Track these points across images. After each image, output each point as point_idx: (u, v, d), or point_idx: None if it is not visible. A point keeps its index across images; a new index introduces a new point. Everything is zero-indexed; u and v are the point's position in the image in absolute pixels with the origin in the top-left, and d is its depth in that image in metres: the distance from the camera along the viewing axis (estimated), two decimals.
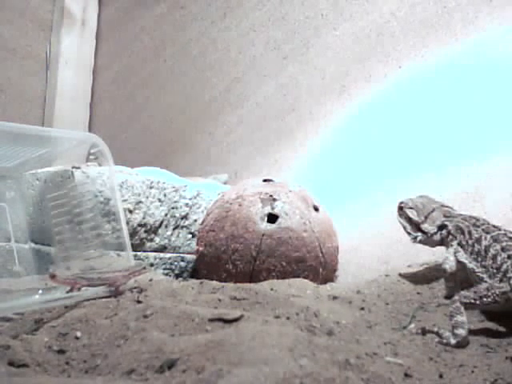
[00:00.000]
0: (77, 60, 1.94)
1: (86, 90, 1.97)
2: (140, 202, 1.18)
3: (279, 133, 1.48)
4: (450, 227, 0.98)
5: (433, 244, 1.02)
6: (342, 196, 1.32)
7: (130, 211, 1.15)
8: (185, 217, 1.28)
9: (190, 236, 1.29)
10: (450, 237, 0.97)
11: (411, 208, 1.02)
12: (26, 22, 1.90)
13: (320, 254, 1.14)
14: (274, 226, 1.11)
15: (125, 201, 1.14)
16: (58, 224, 1.05)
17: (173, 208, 1.25)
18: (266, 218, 1.12)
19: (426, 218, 1.00)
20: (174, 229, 1.26)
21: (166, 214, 1.24)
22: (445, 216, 1.00)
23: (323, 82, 1.40)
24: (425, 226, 1.00)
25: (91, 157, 1.18)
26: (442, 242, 1.00)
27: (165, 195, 1.24)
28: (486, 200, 1.10)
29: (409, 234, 1.02)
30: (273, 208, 1.13)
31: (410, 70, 1.25)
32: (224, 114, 1.62)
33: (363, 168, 1.30)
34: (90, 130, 1.97)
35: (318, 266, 1.13)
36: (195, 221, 1.29)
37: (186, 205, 1.28)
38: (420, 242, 1.01)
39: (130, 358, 0.59)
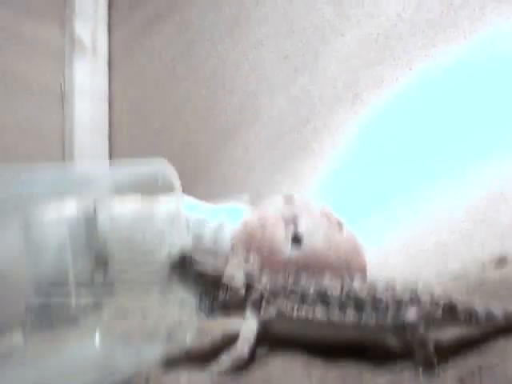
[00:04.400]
0: (91, 90, 1.95)
1: (104, 120, 1.99)
2: (180, 233, 1.18)
3: (296, 146, 1.46)
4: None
5: None
6: (364, 209, 1.30)
7: (171, 246, 1.14)
8: (212, 245, 1.27)
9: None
10: None
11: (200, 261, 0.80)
12: (39, 55, 1.92)
13: (346, 274, 1.12)
14: (298, 249, 1.10)
15: (163, 235, 1.13)
16: (92, 266, 1.06)
17: (198, 238, 1.25)
18: (290, 241, 1.11)
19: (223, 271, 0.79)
20: None
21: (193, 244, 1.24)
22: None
23: (335, 90, 1.37)
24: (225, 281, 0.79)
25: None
26: None
27: (189, 226, 1.24)
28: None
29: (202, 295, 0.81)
30: (296, 231, 1.12)
31: (421, 72, 1.22)
32: (240, 132, 1.61)
33: (382, 177, 1.27)
34: (110, 159, 1.99)
35: None
36: (221, 249, 1.28)
37: (212, 233, 1.27)
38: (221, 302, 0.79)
39: None
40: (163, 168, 0.93)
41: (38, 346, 0.93)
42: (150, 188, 1.12)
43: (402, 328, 0.68)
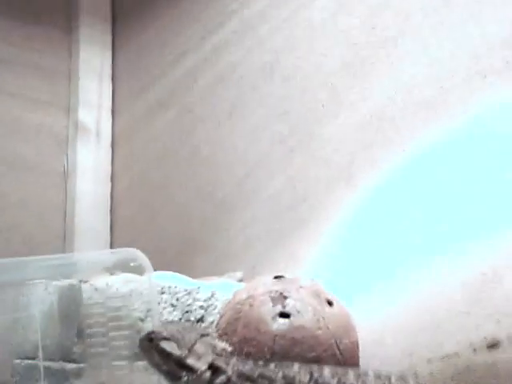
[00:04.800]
0: (94, 169, 2.01)
1: (105, 197, 2.02)
2: (151, 309, 1.17)
3: (293, 224, 1.47)
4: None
5: None
6: (360, 286, 1.28)
7: (142, 320, 1.13)
8: (200, 319, 1.26)
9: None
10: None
11: (167, 339, 0.77)
12: (43, 139, 1.99)
13: (337, 352, 1.08)
14: (286, 325, 1.08)
15: (134, 310, 1.13)
16: (69, 339, 1.05)
17: (187, 312, 1.23)
18: (277, 318, 1.09)
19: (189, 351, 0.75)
20: None
21: (180, 319, 1.22)
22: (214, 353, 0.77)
23: (330, 171, 1.39)
24: (191, 362, 0.75)
25: (113, 270, 1.20)
26: None
27: (177, 299, 1.23)
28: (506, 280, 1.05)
29: (167, 374, 0.76)
30: (284, 307, 1.10)
31: (414, 152, 1.24)
32: (238, 210, 1.62)
33: (377, 254, 1.27)
34: (111, 235, 2.01)
35: (336, 365, 1.07)
36: (211, 323, 1.26)
37: (201, 307, 1.26)
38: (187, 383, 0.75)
39: None
40: (134, 254, 0.95)
41: None
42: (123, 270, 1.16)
43: None
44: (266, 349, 1.12)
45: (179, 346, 0.75)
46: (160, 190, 1.92)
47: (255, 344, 1.14)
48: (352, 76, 1.37)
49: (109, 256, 1.07)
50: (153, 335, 0.77)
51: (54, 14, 2.12)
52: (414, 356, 1.14)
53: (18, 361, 1.17)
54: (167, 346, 0.76)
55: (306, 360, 1.05)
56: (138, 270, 1.10)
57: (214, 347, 0.78)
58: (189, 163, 1.83)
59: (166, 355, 0.75)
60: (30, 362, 1.09)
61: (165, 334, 0.77)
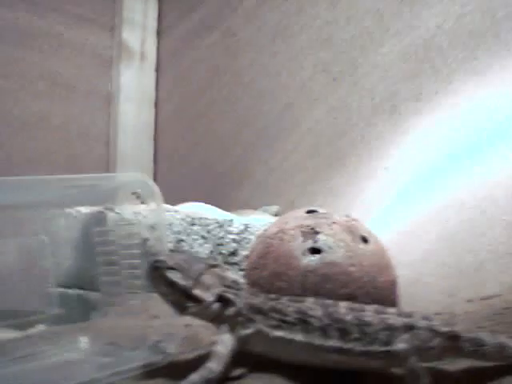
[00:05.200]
0: (138, 94, 1.98)
1: (149, 124, 2.01)
2: (181, 240, 1.17)
3: (332, 158, 1.43)
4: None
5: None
6: (399, 223, 1.24)
7: (172, 251, 1.13)
8: (233, 253, 1.25)
9: (242, 273, 1.26)
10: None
11: (173, 269, 0.74)
12: (85, 59, 1.95)
13: (372, 290, 1.06)
14: (316, 261, 1.06)
15: (146, 238, 1.13)
16: (96, 267, 1.06)
17: (218, 245, 1.23)
18: (307, 253, 1.07)
19: (196, 281, 0.73)
20: None
21: (211, 252, 1.22)
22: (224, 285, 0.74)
23: (373, 102, 1.33)
24: (197, 292, 0.72)
25: (134, 196, 1.19)
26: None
27: (208, 231, 1.22)
28: None
29: (174, 304, 0.74)
30: (315, 242, 1.08)
31: (462, 85, 1.16)
32: (278, 140, 1.58)
33: (418, 190, 1.22)
34: (154, 164, 2.01)
35: (372, 303, 1.06)
36: (245, 256, 1.26)
37: (234, 240, 1.25)
38: (193, 314, 0.74)
39: None
40: (144, 180, 0.91)
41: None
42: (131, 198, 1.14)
43: (391, 356, 0.63)
44: (296, 284, 1.10)
45: (185, 276, 0.73)
46: (202, 118, 1.89)
47: (286, 279, 1.12)
48: (400, 2, 1.28)
49: (112, 181, 1.04)
50: (158, 264, 0.74)
51: None
52: (454, 296, 1.11)
53: (51, 289, 1.21)
54: (173, 275, 0.73)
55: (338, 297, 1.03)
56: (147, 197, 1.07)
57: (223, 279, 0.74)
58: (231, 90, 1.78)
59: (172, 285, 0.72)
60: (62, 290, 1.11)
61: (170, 263, 0.74)
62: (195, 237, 1.20)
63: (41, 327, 1.03)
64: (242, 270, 1.31)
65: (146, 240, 1.00)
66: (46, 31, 1.88)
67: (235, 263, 1.26)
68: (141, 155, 1.97)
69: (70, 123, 1.89)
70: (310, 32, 1.50)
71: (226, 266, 0.83)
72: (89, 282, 1.11)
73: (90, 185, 0.96)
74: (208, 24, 1.90)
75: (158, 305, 0.97)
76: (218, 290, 0.72)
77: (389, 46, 1.29)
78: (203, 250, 1.20)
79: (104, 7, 2.04)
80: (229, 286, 0.73)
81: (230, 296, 0.73)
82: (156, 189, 0.86)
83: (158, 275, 0.72)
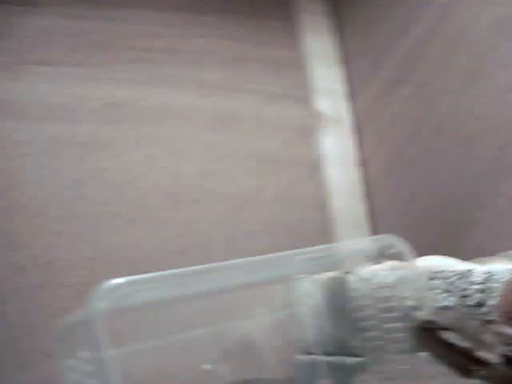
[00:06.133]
0: (340, 157, 2.02)
1: (356, 184, 2.03)
2: (422, 296, 1.13)
3: None
4: None
5: None
6: None
7: (415, 308, 1.10)
8: (480, 304, 1.18)
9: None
10: None
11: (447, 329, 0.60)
12: (286, 132, 2.05)
13: None
14: None
15: (405, 298, 1.10)
16: (345, 333, 1.06)
17: (463, 297, 1.17)
18: None
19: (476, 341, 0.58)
20: None
21: (455, 305, 1.16)
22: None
23: None
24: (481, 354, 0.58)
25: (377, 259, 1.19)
26: None
27: (450, 284, 1.17)
28: None
29: (454, 367, 0.61)
30: None
31: None
32: (500, 183, 1.50)
33: None
34: (370, 223, 2.01)
35: None
36: (493, 306, 1.18)
37: (478, 290, 1.18)
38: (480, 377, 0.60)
39: None
40: (392, 240, 0.91)
41: None
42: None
43: None
44: None
45: (463, 336, 0.67)
46: (413, 170, 1.86)
47: None
48: None
49: (366, 244, 1.05)
50: (429, 325, 0.70)
51: (272, 4, 2.15)
52: None
53: (299, 357, 1.23)
54: (449, 336, 0.69)
55: None
56: (398, 257, 1.06)
57: (501, 335, 0.69)
58: (433, 140, 1.74)
59: (450, 346, 0.68)
60: (311, 357, 1.13)
61: (442, 322, 0.68)
62: (437, 291, 1.15)
63: None
64: (488, 321, 1.23)
65: (409, 307, 0.99)
66: (243, 112, 2.01)
67: (483, 314, 1.19)
68: (354, 216, 1.98)
69: (282, 194, 1.98)
70: (508, 68, 1.43)
71: (501, 319, 0.78)
72: (340, 348, 1.12)
73: (326, 255, 0.98)
74: (399, 80, 1.90)
75: (429, 367, 0.95)
76: (502, 349, 0.67)
77: None
78: (447, 303, 1.15)
79: (292, 80, 2.13)
80: (509, 344, 0.68)
81: None
82: (405, 245, 0.85)
83: (429, 336, 0.69)
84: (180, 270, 0.78)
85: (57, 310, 1.48)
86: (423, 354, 0.96)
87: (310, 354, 1.14)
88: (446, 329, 0.70)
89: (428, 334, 0.71)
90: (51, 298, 1.60)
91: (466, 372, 0.69)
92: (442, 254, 1.36)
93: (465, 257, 1.32)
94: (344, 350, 1.14)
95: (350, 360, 1.11)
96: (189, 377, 1.00)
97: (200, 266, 0.82)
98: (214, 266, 0.83)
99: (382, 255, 1.16)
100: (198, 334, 0.96)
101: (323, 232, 1.98)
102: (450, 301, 1.16)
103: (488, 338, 0.69)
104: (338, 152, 2.04)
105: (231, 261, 0.83)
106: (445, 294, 1.16)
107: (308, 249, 0.92)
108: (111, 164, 1.75)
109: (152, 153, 1.82)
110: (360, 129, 2.10)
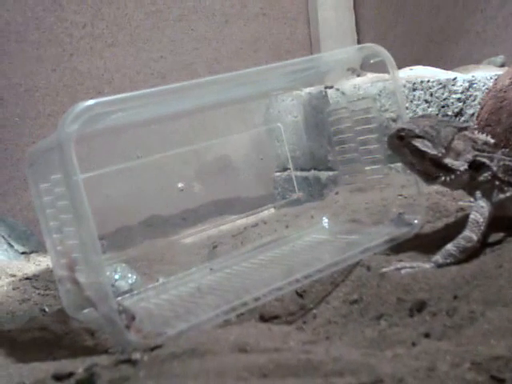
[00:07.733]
0: None
1: None
2: (400, 107, 1.12)
3: None
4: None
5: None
6: None
7: (394, 120, 1.09)
8: (459, 113, 1.17)
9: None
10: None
11: (420, 137, 0.67)
12: None
13: None
14: None
15: (386, 111, 1.09)
16: (321, 147, 1.06)
17: (443, 106, 1.16)
18: None
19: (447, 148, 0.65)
20: None
21: (436, 115, 1.15)
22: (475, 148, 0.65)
23: None
24: (449, 161, 0.66)
25: (349, 71, 1.16)
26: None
27: (431, 94, 1.15)
28: None
29: (422, 174, 0.69)
30: None
31: None
32: None
33: None
34: (357, 34, 1.93)
35: None
36: (471, 115, 1.17)
37: (459, 100, 1.17)
38: (444, 183, 0.68)
39: None
40: (377, 48, 0.85)
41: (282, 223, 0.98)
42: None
43: None
44: None
45: (434, 144, 0.68)
46: None
47: None
48: None
49: (350, 53, 1.00)
50: (403, 132, 0.69)
51: None
52: None
53: (277, 173, 1.25)
54: (420, 144, 0.68)
55: None
56: (382, 68, 1.02)
57: (474, 142, 0.69)
58: None
59: (420, 154, 0.68)
60: (287, 173, 1.14)
61: (417, 130, 0.69)
62: (418, 102, 1.14)
63: (272, 211, 1.08)
64: (461, 128, 1.22)
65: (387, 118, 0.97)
66: None
67: (459, 122, 1.18)
68: (342, 27, 1.89)
69: (268, 9, 1.88)
70: None
71: (474, 126, 0.78)
72: (320, 162, 1.13)
73: (308, 67, 0.94)
74: None
75: (399, 177, 0.96)
76: (471, 155, 0.67)
77: None
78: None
79: None
80: (481, 150, 0.68)
81: (485, 160, 0.67)
82: (389, 55, 0.82)
83: (403, 145, 0.69)
84: (155, 89, 0.74)
85: (37, 139, 1.48)
86: (395, 164, 0.97)
87: (287, 169, 1.16)
88: (419, 137, 0.70)
89: (401, 143, 0.71)
90: (31, 127, 1.60)
91: (432, 178, 0.70)
92: (429, 65, 1.32)
93: (452, 65, 1.29)
94: (320, 164, 1.15)
95: (324, 174, 1.13)
96: (165, 195, 1.01)
97: (175, 85, 0.78)
98: (190, 83, 0.79)
99: (365, 65, 1.11)
100: (174, 154, 0.96)
101: (311, 47, 1.91)
102: (430, 111, 1.16)
103: (458, 144, 0.69)
104: None
105: (207, 77, 0.79)
106: (424, 105, 1.15)
107: (290, 61, 0.88)
108: None
109: None
110: None
